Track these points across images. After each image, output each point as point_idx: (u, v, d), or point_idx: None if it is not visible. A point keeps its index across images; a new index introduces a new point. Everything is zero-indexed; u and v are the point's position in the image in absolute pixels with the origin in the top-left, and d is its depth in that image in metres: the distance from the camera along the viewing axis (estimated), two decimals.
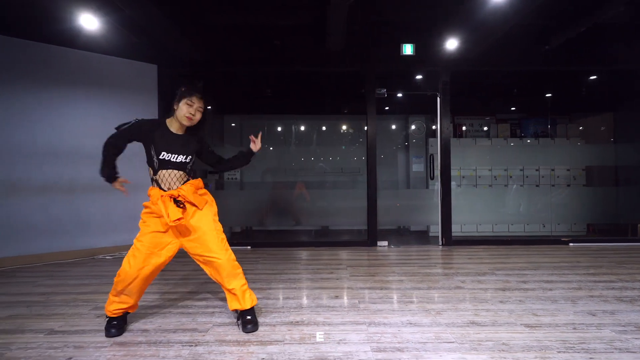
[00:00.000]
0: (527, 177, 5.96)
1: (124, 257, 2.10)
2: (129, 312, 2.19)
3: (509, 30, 3.96)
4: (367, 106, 4.81)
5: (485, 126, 6.47)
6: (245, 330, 2.12)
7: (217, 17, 4.27)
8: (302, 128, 6.59)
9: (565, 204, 5.61)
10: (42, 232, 3.97)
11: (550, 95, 6.26)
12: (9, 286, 3.10)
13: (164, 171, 2.10)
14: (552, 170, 5.91)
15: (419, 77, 5.35)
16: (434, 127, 6.36)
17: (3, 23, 3.76)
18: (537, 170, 5.95)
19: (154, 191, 2.10)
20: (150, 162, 2.12)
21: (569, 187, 5.80)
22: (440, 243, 4.82)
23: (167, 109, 2.27)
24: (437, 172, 4.93)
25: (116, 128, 2.11)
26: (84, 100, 4.23)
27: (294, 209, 5.49)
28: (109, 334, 2.06)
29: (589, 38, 4.51)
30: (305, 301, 2.66)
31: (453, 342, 1.96)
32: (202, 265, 2.19)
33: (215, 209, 2.25)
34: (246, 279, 2.20)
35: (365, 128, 4.84)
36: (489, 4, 3.48)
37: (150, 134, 2.08)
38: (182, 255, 2.42)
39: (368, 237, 4.81)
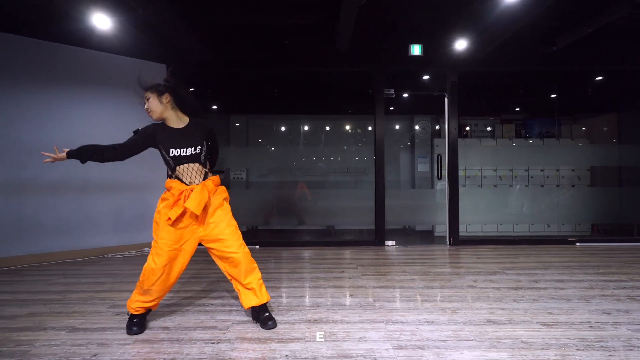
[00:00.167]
0: (532, 177, 5.99)
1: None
2: (151, 310, 2.21)
3: (516, 30, 3.99)
4: (376, 106, 4.83)
5: (489, 127, 6.50)
6: (266, 327, 2.14)
7: (226, 17, 4.27)
8: (307, 128, 6.61)
9: (569, 204, 5.66)
10: (53, 231, 3.98)
11: (555, 95, 6.30)
12: (23, 284, 3.12)
13: (180, 167, 2.13)
14: (557, 170, 5.94)
15: (426, 77, 5.37)
16: (437, 127, 6.40)
17: (15, 23, 3.77)
18: (542, 170, 5.98)
19: (175, 183, 2.12)
20: (166, 163, 2.15)
21: (574, 188, 5.84)
22: (448, 243, 4.84)
23: None
24: (445, 172, 4.96)
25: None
26: (93, 99, 4.25)
27: (297, 208, 5.51)
28: (130, 331, 2.08)
29: (594, 39, 4.53)
30: (320, 300, 2.68)
31: (472, 340, 1.99)
32: (217, 260, 2.22)
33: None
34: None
35: (370, 128, 4.86)
36: (501, 4, 3.50)
37: (155, 136, 2.13)
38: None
39: (376, 237, 4.83)
